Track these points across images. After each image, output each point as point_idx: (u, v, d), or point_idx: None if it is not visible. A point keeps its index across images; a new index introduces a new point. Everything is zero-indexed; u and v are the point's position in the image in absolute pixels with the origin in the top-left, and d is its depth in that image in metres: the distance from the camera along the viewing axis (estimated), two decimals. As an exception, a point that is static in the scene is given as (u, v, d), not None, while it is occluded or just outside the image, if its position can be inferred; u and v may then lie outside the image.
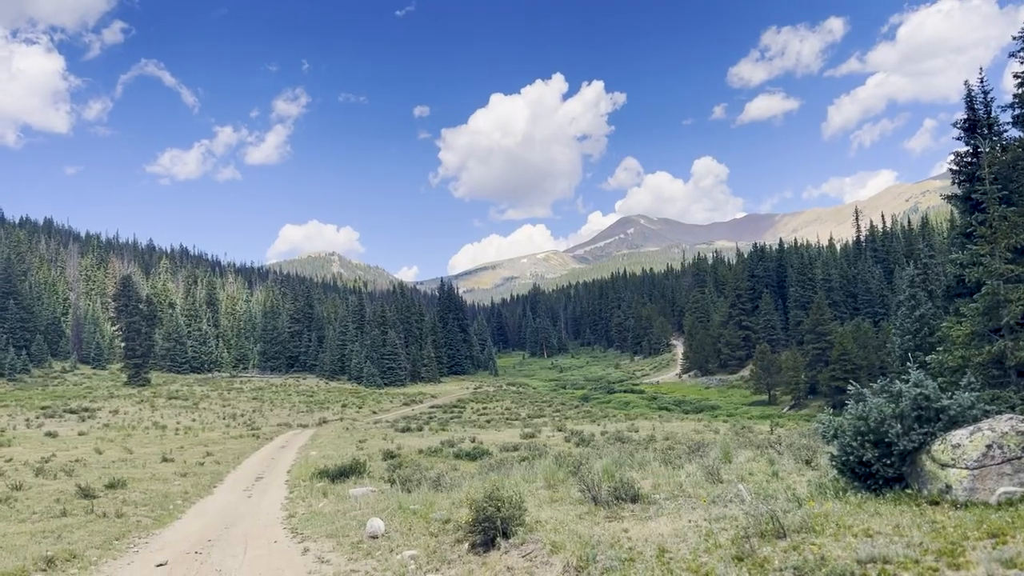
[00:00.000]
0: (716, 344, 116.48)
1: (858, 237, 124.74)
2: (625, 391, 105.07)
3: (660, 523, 8.04)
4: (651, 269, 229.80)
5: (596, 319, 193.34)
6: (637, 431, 42.20)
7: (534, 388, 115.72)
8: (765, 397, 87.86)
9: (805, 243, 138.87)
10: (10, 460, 32.78)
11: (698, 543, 6.94)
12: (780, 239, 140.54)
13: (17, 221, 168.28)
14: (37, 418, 58.84)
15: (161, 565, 11.51)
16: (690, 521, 7.85)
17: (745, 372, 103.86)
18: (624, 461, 14.52)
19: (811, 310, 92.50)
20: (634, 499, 9.60)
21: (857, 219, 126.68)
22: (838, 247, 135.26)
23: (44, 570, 11.28)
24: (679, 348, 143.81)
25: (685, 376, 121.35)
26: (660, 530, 7.66)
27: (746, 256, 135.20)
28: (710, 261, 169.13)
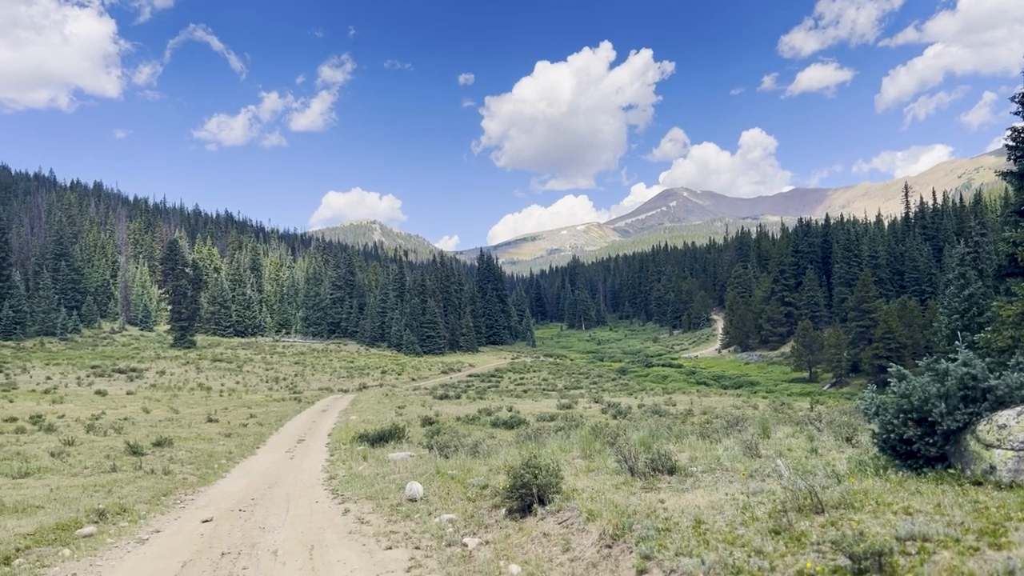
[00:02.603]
0: (757, 320, 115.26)
1: (907, 213, 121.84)
2: (663, 365, 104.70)
3: (697, 495, 8.07)
4: (693, 243, 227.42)
5: (635, 292, 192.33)
6: (675, 405, 42.13)
7: (571, 360, 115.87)
8: (806, 374, 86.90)
9: (852, 219, 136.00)
10: (62, 416, 33.92)
11: (735, 516, 6.96)
12: (827, 214, 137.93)
13: (69, 184, 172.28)
14: (87, 377, 60.65)
15: (207, 521, 11.87)
16: (727, 494, 7.86)
17: (786, 348, 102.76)
18: (661, 434, 14.54)
19: (856, 287, 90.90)
20: (671, 471, 9.63)
21: (907, 195, 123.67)
22: (886, 223, 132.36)
23: (96, 522, 11.70)
24: (719, 323, 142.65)
25: (724, 351, 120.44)
26: (696, 502, 7.69)
27: (791, 231, 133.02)
28: (754, 235, 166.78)
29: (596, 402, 46.08)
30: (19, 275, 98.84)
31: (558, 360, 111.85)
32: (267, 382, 65.74)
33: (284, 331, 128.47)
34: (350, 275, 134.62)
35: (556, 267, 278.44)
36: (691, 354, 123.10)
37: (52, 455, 21.17)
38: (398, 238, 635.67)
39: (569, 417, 33.14)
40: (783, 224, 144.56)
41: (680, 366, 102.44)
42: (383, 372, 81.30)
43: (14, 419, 31.79)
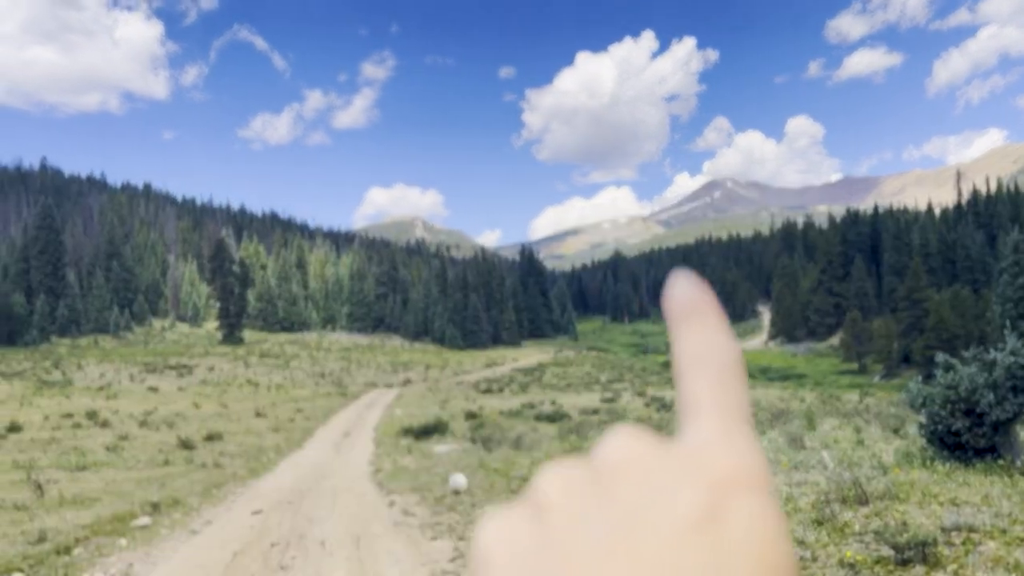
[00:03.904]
0: (804, 311, 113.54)
1: (959, 201, 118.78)
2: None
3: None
4: (738, 234, 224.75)
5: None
6: (719, 398, 41.75)
7: (614, 353, 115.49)
8: (855, 366, 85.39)
9: (902, 207, 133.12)
10: (117, 412, 34.88)
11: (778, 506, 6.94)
12: (875, 203, 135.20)
13: (119, 186, 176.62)
14: (140, 373, 62.27)
15: (257, 513, 12.15)
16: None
17: (834, 340, 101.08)
18: (705, 426, 14.47)
19: (906, 277, 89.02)
20: (714, 463, 9.60)
21: (959, 181, 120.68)
22: (937, 211, 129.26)
23: (150, 513, 12.06)
24: (765, 315, 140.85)
25: (771, 343, 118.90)
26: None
27: (838, 221, 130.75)
28: (800, 226, 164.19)
29: (640, 395, 45.91)
30: (73, 275, 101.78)
31: (601, 354, 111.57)
32: (313, 377, 66.76)
33: (329, 327, 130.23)
34: (393, 271, 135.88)
35: (598, 260, 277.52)
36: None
37: (107, 449, 21.82)
38: (440, 234, 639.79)
39: (612, 411, 33.10)
40: (830, 214, 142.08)
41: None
42: (427, 367, 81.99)
43: (71, 415, 32.80)
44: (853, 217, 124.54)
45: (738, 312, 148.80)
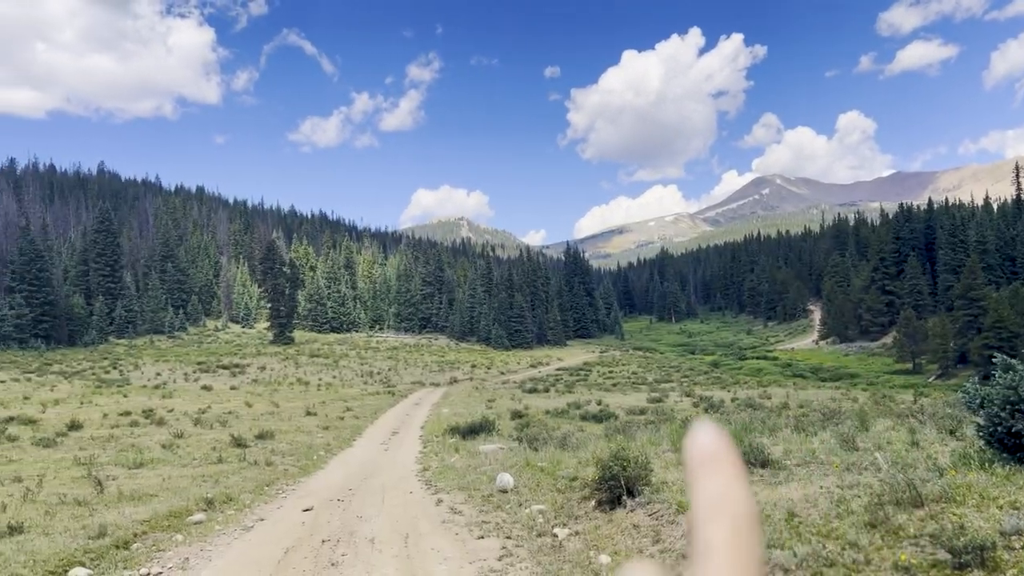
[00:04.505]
0: (856, 310, 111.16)
1: (1019, 195, 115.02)
2: (757, 357, 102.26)
3: (790, 488, 7.94)
4: (787, 231, 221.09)
5: (727, 283, 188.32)
6: (770, 398, 41.16)
7: (661, 353, 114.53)
8: (909, 366, 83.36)
9: (957, 202, 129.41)
10: (172, 411, 35.73)
11: (829, 508, 6.83)
12: (930, 199, 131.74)
13: (173, 189, 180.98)
14: (194, 372, 63.66)
15: (307, 510, 12.35)
16: (822, 487, 7.70)
17: (887, 339, 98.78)
18: (754, 427, 14.29)
19: (963, 274, 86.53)
20: (763, 464, 9.48)
21: (1018, 175, 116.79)
22: (995, 206, 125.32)
23: (205, 510, 12.35)
24: (816, 314, 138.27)
25: (822, 343, 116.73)
26: (790, 495, 7.57)
27: (891, 217, 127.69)
28: (852, 222, 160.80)
29: (687, 396, 45.47)
30: (130, 276, 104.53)
31: (648, 353, 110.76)
32: (362, 376, 67.51)
33: (377, 327, 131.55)
34: (439, 271, 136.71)
35: (644, 259, 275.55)
36: (787, 346, 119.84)
37: (163, 447, 22.38)
38: (485, 234, 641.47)
39: (659, 411, 32.84)
40: (883, 210, 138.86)
41: (775, 358, 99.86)
42: (473, 366, 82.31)
43: (128, 413, 33.68)
44: (906, 213, 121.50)
45: (788, 311, 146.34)
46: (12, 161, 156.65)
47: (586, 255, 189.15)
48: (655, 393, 46.65)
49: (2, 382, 50.16)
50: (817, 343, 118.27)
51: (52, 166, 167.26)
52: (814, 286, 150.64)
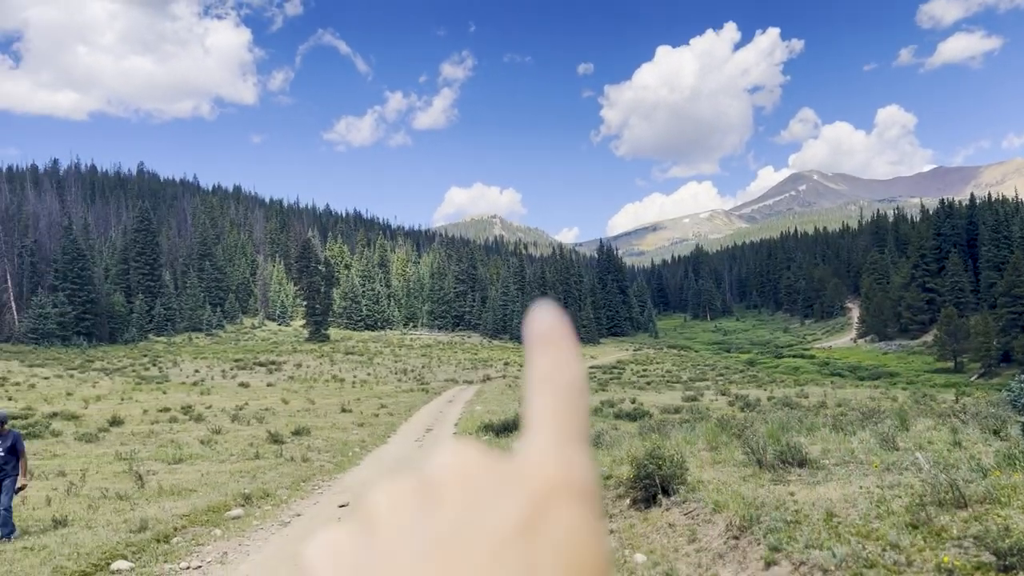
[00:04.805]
0: (896, 307, 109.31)
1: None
2: (794, 356, 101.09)
3: (828, 488, 7.82)
4: (824, 228, 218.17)
5: (763, 281, 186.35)
6: (807, 397, 40.63)
7: (696, 351, 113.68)
8: (950, 364, 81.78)
9: (1001, 198, 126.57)
10: (210, 407, 36.25)
11: (869, 509, 6.71)
12: (972, 194, 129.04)
13: (211, 188, 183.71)
14: (231, 369, 64.57)
15: (343, 506, 12.46)
16: (861, 487, 7.58)
17: (928, 337, 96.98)
18: (791, 426, 14.10)
19: (1007, 271, 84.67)
20: (801, 463, 9.35)
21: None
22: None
23: (243, 505, 12.51)
24: (854, 312, 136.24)
25: (860, 341, 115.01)
26: (828, 495, 7.46)
27: (932, 213, 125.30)
28: (891, 219, 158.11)
29: (723, 394, 45.07)
30: (169, 275, 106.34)
31: (682, 351, 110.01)
32: (396, 374, 67.96)
33: (411, 324, 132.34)
34: (472, 269, 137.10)
35: (678, 256, 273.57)
36: (824, 344, 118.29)
37: (202, 443, 22.71)
38: (518, 231, 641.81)
39: (694, 409, 32.59)
40: (923, 206, 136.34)
41: (812, 357, 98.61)
42: (506, 364, 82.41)
43: (168, 409, 34.26)
44: (948, 209, 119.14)
45: (826, 309, 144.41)
46: (55, 162, 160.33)
47: (619, 252, 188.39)
48: (690, 392, 46.31)
49: (46, 378, 51.32)
50: (855, 341, 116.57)
51: (93, 166, 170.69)
52: (852, 283, 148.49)
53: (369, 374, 66.50)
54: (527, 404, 0.37)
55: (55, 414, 31.43)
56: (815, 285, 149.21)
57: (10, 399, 39.50)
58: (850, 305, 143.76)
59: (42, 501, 12.77)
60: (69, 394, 42.59)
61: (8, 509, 10.29)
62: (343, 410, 34.99)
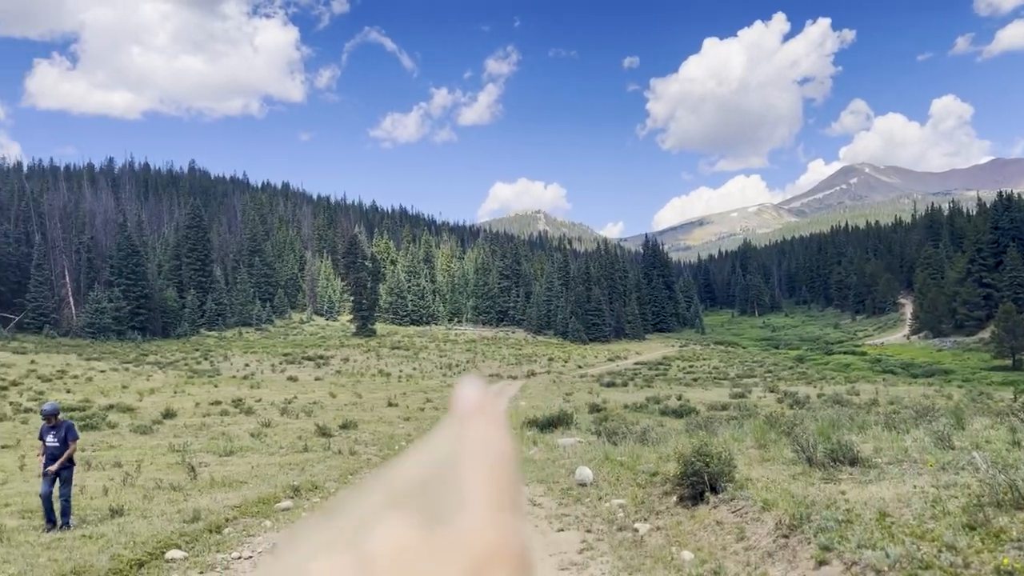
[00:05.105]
0: (951, 303, 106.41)
1: None
2: (845, 352, 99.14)
3: (881, 487, 7.66)
4: (876, 222, 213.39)
5: (813, 276, 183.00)
6: (858, 394, 39.89)
7: (744, 348, 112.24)
8: (1008, 362, 79.36)
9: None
10: (260, 400, 36.91)
11: (923, 509, 6.55)
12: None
13: (260, 185, 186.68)
14: (280, 364, 65.62)
15: (390, 498, 12.58)
16: (915, 487, 7.40)
17: (984, 334, 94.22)
18: (842, 423, 13.83)
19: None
20: (852, 462, 9.17)
21: None
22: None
23: (292, 497, 12.71)
24: (907, 307, 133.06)
25: (914, 337, 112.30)
26: (881, 494, 7.30)
27: (989, 206, 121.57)
28: (946, 212, 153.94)
29: (771, 391, 44.45)
30: (219, 271, 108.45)
31: (729, 348, 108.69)
32: (441, 368, 68.38)
33: (456, 319, 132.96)
34: (516, 265, 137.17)
35: (726, 251, 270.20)
36: (876, 341, 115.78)
37: (252, 435, 23.15)
38: (562, 227, 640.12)
39: (742, 406, 32.21)
40: (979, 199, 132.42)
41: (864, 353, 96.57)
42: (550, 359, 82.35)
43: (219, 402, 34.98)
44: (1006, 202, 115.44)
45: (877, 304, 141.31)
46: (110, 160, 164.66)
47: (665, 247, 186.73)
48: (737, 388, 45.78)
49: (102, 372, 52.78)
50: (908, 338, 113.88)
51: (147, 164, 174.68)
52: (905, 279, 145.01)
53: (415, 368, 67.04)
54: (459, 477, 0.38)
55: (111, 406, 32.31)
56: (866, 280, 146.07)
57: (69, 391, 40.73)
58: (903, 301, 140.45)
59: (99, 491, 13.15)
60: (124, 387, 43.74)
61: (67, 497, 10.60)
62: (389, 404, 35.36)
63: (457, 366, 70.77)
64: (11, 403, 33.70)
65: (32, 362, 54.74)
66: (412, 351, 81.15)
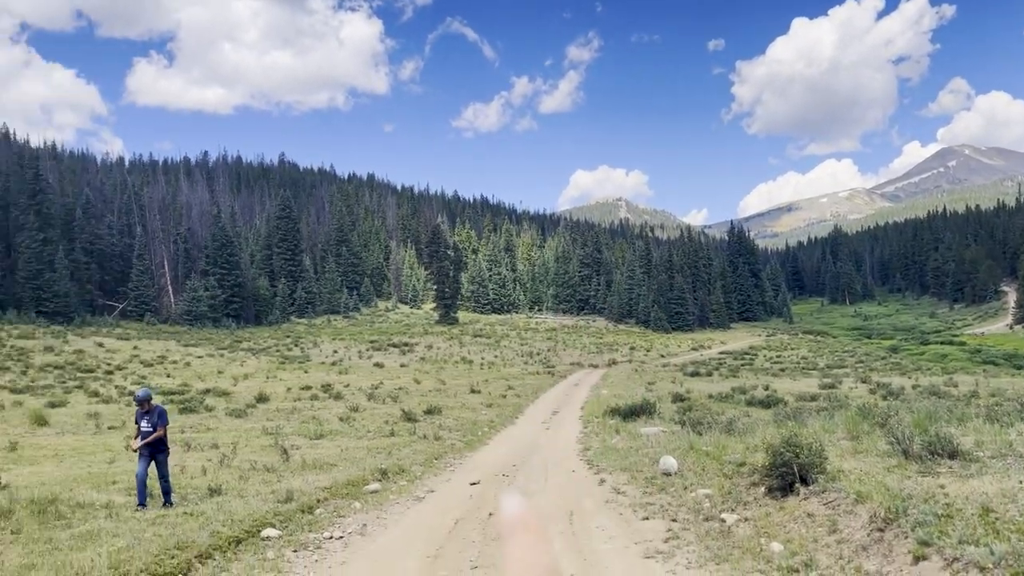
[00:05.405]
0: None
1: None
2: (942, 342, 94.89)
3: (983, 481, 7.33)
4: (977, 206, 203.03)
5: (908, 263, 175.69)
6: (956, 386, 38.16)
7: (834, 337, 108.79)
8: (1124, 354, 74.65)
9: None
10: (348, 386, 37.87)
11: (1031, 506, 6.25)
12: None
13: (346, 177, 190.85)
14: (367, 350, 67.12)
15: (474, 484, 12.75)
16: (1021, 482, 7.06)
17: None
18: (940, 415, 13.29)
19: None
20: (952, 455, 8.80)
21: None
22: None
23: (380, 480, 13.02)
24: (1010, 295, 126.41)
25: (1017, 327, 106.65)
26: (983, 489, 6.99)
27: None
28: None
29: (863, 382, 42.97)
30: (308, 260, 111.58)
31: (819, 337, 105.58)
32: (522, 356, 68.72)
33: (536, 308, 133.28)
34: (597, 253, 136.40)
35: (815, 238, 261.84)
36: (976, 330, 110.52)
37: (340, 420, 23.80)
38: (644, 214, 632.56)
39: (832, 397, 31.26)
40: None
41: (963, 344, 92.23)
42: (631, 348, 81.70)
43: (309, 387, 36.06)
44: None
45: (977, 292, 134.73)
46: (205, 154, 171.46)
47: (751, 234, 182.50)
48: (827, 379, 44.44)
49: (199, 357, 55.09)
50: (1011, 327, 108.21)
51: (239, 158, 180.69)
52: (1008, 265, 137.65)
53: (496, 356, 67.56)
54: None
55: (208, 391, 33.72)
56: (966, 267, 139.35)
57: (168, 376, 42.72)
58: (1005, 288, 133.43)
59: (199, 471, 13.76)
60: (220, 372, 45.58)
61: (166, 479, 11.04)
62: (472, 391, 35.75)
63: (538, 354, 70.98)
64: (116, 386, 35.59)
65: (135, 348, 57.56)
66: (493, 339, 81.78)
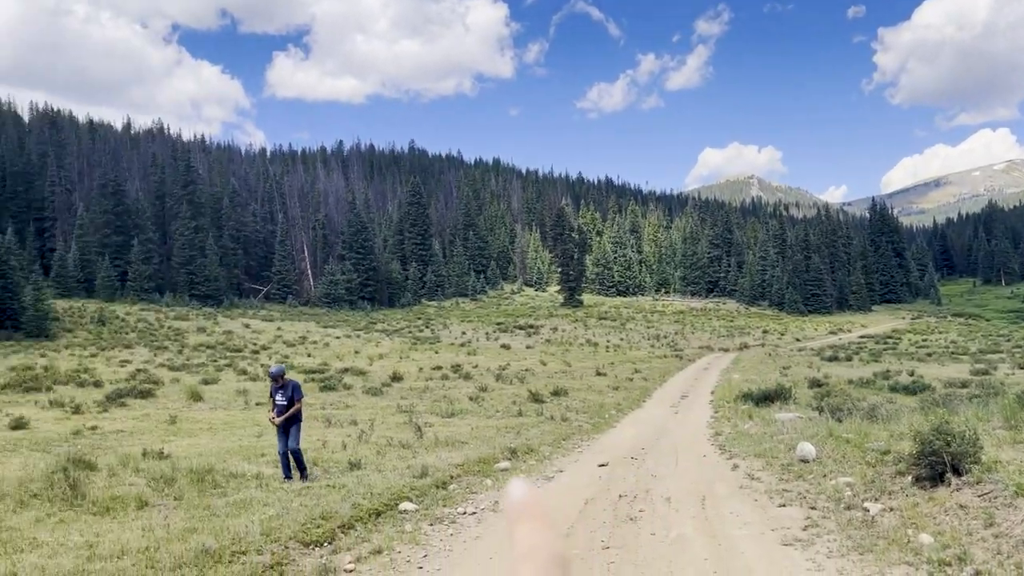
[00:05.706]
0: None
1: None
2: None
3: None
4: None
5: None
6: None
7: (987, 320, 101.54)
8: None
9: None
10: (476, 367, 38.66)
11: None
12: None
13: (473, 162, 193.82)
14: (493, 332, 68.25)
15: (603, 465, 12.75)
16: None
17: None
18: (1113, 405, 12.17)
19: None
20: None
21: None
22: None
23: (509, 459, 13.24)
24: None
25: None
26: None
27: None
28: None
29: (1021, 368, 39.92)
30: (438, 244, 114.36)
31: (970, 320, 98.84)
32: (648, 339, 67.95)
33: (663, 290, 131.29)
34: (727, 233, 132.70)
35: (966, 214, 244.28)
36: None
37: (470, 399, 24.35)
38: (777, 192, 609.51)
39: (985, 384, 29.18)
40: None
41: None
42: (764, 331, 79.17)
43: (439, 368, 37.06)
44: None
45: None
46: (340, 143, 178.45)
47: (895, 211, 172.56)
48: (980, 364, 41.54)
49: (337, 338, 57.66)
50: None
51: (371, 146, 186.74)
52: None
53: (622, 339, 67.11)
54: (514, 573, 0.41)
55: (346, 370, 35.29)
56: None
57: (309, 355, 44.98)
58: None
59: (339, 446, 14.45)
60: (357, 352, 47.57)
61: (296, 451, 11.48)
62: (598, 373, 35.71)
63: (665, 337, 69.98)
64: (262, 365, 37.80)
65: (278, 329, 60.91)
66: (619, 322, 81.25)
